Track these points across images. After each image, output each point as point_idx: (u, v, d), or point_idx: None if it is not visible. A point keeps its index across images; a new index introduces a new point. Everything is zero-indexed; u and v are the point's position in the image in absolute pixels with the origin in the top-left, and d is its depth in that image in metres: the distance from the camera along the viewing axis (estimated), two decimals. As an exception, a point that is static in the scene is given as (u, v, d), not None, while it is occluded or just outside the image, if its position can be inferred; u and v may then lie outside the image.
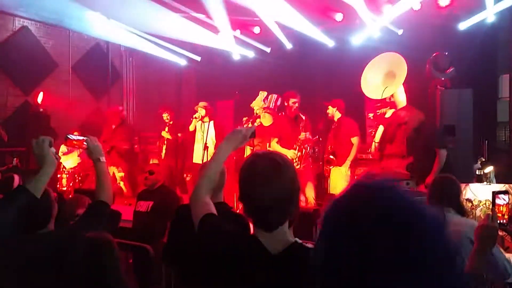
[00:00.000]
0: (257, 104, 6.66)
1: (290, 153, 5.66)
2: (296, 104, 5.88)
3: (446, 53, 5.93)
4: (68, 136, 2.31)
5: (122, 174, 7.35)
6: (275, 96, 7.22)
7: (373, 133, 6.02)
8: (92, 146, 2.32)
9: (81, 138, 2.33)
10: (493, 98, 6.74)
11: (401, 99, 5.64)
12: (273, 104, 7.06)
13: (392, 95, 5.65)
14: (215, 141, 6.71)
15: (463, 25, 6.57)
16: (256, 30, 8.58)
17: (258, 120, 6.52)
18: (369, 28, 7.13)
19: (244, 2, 7.14)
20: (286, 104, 5.98)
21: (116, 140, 7.42)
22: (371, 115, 6.06)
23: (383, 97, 5.63)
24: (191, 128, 7.15)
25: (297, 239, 1.51)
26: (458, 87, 5.83)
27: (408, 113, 5.36)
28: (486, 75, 6.68)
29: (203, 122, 6.95)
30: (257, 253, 1.45)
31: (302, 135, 5.76)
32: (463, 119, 5.57)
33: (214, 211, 1.66)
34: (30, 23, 8.96)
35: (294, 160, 5.61)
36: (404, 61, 5.72)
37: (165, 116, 7.83)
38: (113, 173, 7.32)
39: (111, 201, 2.33)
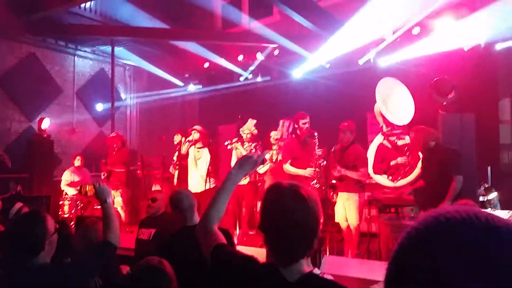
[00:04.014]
0: (248, 129, 6.65)
1: (305, 172, 5.64)
2: (307, 125, 5.87)
3: (447, 78, 5.96)
4: (82, 187, 2.53)
5: (120, 199, 7.21)
6: (287, 122, 7.18)
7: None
8: (99, 188, 2.41)
9: (91, 185, 2.51)
10: (495, 121, 6.75)
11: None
12: (286, 133, 7.02)
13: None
14: (209, 169, 6.51)
15: (466, 47, 6.56)
16: (259, 56, 8.68)
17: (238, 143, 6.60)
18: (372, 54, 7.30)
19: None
20: (296, 126, 5.97)
21: (113, 164, 7.35)
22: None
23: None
24: (183, 151, 6.82)
25: (316, 269, 1.49)
26: (460, 111, 5.84)
27: (416, 135, 5.03)
28: (487, 99, 6.72)
29: (196, 148, 6.68)
30: (276, 281, 1.44)
31: (318, 151, 5.77)
32: (465, 143, 5.53)
33: (224, 240, 1.64)
34: (37, 50, 9.10)
35: (312, 176, 5.64)
36: (387, 82, 5.90)
37: (178, 139, 7.37)
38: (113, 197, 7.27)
39: (118, 243, 2.33)
